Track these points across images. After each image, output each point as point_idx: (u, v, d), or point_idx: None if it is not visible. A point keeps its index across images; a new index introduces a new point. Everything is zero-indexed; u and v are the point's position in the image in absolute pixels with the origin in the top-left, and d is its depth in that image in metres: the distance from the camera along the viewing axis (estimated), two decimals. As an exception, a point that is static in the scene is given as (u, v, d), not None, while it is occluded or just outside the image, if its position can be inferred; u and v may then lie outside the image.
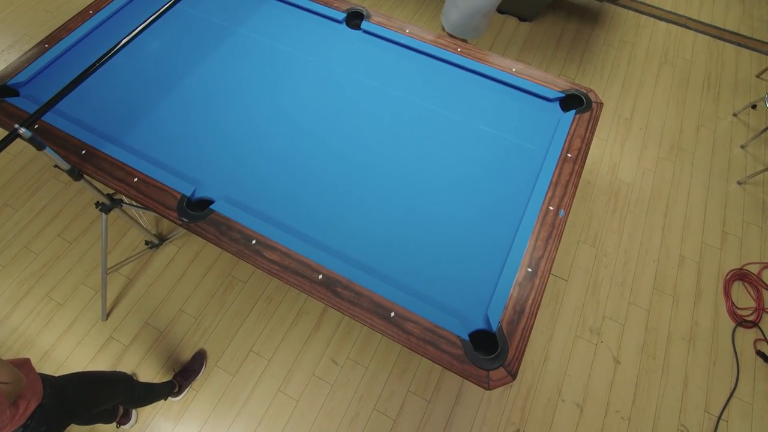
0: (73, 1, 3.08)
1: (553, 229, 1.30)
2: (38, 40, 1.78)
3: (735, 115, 2.70)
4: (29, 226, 2.18)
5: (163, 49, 1.69)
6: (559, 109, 1.58)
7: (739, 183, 2.44)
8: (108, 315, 1.97)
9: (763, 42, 3.07)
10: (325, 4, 1.79)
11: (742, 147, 2.57)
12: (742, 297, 2.11)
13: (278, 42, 1.72)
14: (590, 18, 3.13)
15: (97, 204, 1.65)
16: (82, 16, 1.73)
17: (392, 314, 1.15)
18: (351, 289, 1.18)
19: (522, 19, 3.07)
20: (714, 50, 3.00)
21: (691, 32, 3.09)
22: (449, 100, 1.60)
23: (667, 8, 3.22)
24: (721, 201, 2.38)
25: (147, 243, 2.10)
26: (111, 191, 1.66)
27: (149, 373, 1.87)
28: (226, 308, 1.99)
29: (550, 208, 1.34)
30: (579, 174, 1.41)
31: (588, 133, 1.50)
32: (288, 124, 1.52)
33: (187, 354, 1.90)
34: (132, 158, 1.38)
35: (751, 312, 2.06)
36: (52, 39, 1.66)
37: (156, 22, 1.46)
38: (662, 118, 2.67)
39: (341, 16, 1.77)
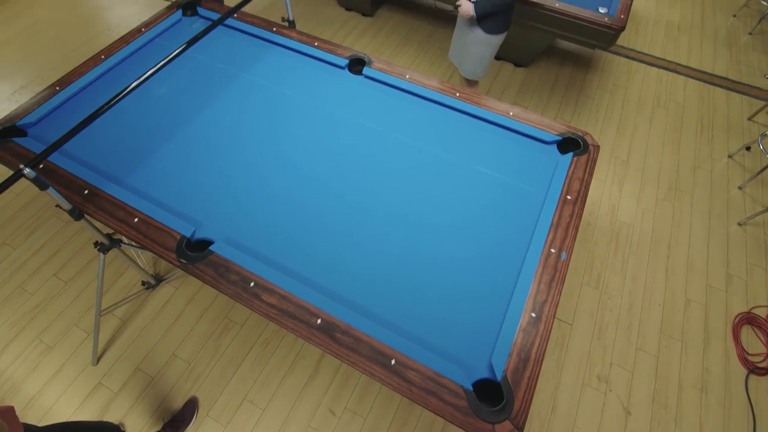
0: (88, 46, 3.22)
1: (555, 272, 1.28)
2: (50, 83, 1.84)
3: (730, 156, 2.74)
4: (26, 265, 2.16)
5: (169, 93, 1.74)
6: (557, 151, 1.60)
7: (739, 224, 2.43)
8: (99, 359, 1.90)
9: (751, 86, 3.17)
10: (329, 51, 1.87)
11: (740, 188, 2.59)
12: (752, 342, 2.04)
13: (282, 86, 1.77)
14: (583, 64, 3.25)
15: (96, 244, 1.64)
16: (94, 60, 1.79)
17: (392, 362, 1.11)
18: (350, 335, 1.15)
19: (517, 64, 3.19)
20: (705, 94, 3.10)
21: (682, 77, 3.20)
22: (449, 142, 1.62)
23: (657, 54, 3.36)
24: (722, 242, 2.36)
25: (144, 283, 2.06)
26: (110, 231, 1.65)
27: (138, 423, 1.78)
28: (221, 353, 1.93)
29: (552, 250, 1.32)
30: (579, 216, 1.41)
31: (586, 176, 1.51)
32: (289, 167, 1.54)
33: (179, 402, 1.81)
34: (133, 198, 1.39)
35: (763, 358, 1.99)
36: (63, 82, 1.71)
37: (164, 68, 1.51)
38: (658, 160, 2.71)
39: (344, 62, 1.83)
